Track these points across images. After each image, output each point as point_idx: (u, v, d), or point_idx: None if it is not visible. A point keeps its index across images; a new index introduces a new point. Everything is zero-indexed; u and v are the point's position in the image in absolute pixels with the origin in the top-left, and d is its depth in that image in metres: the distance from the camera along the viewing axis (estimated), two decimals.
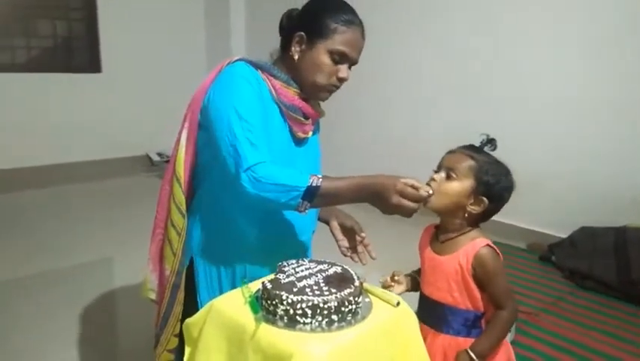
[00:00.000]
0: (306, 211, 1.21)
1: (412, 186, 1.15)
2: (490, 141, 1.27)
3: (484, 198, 1.22)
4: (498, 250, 1.23)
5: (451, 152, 1.27)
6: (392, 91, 4.00)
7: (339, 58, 1.32)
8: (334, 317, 1.02)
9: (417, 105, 3.84)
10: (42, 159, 4.41)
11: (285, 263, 1.20)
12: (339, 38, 1.30)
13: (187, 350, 1.18)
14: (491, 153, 1.27)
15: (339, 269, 1.17)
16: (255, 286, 1.17)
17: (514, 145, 3.22)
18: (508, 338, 1.98)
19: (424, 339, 1.26)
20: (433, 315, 1.27)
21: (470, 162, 1.22)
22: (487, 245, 1.22)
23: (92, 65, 4.67)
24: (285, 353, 0.94)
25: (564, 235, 2.92)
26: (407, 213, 1.16)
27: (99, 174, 4.56)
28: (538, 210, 3.19)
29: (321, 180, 1.18)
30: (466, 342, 1.23)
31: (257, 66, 1.32)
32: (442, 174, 1.23)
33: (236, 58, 1.33)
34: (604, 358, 1.98)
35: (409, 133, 3.86)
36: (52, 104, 4.43)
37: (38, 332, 2.07)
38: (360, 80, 4.17)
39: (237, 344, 1.04)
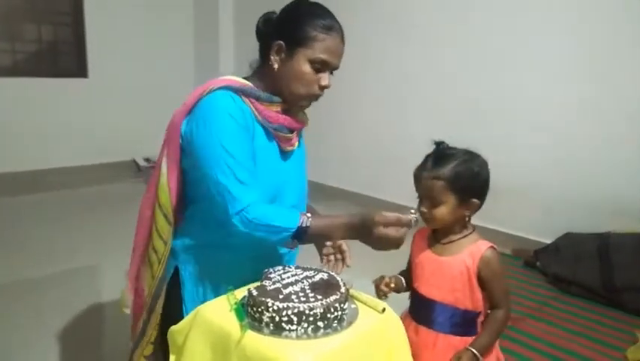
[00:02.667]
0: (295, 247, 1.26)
1: (396, 220, 1.16)
2: (438, 145, 1.31)
3: (473, 200, 1.26)
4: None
5: (416, 179, 1.28)
6: (379, 97, 4.02)
7: (321, 66, 1.30)
8: (320, 324, 1.03)
9: (404, 112, 3.86)
10: (27, 164, 4.36)
11: (271, 270, 1.20)
12: (320, 46, 1.28)
13: (171, 357, 1.17)
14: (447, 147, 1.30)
15: (325, 276, 1.18)
16: (241, 293, 1.16)
17: (500, 152, 3.27)
18: None
19: (416, 335, 1.31)
20: (427, 313, 1.31)
21: (439, 183, 1.23)
22: (491, 247, 1.27)
23: (79, 69, 4.64)
24: None
25: (549, 241, 2.95)
26: (394, 243, 1.16)
27: (85, 180, 4.52)
28: (524, 215, 3.22)
29: (310, 219, 1.20)
30: (461, 341, 1.27)
31: (239, 91, 1.28)
32: (427, 203, 1.27)
33: (216, 85, 1.27)
34: None
35: (396, 140, 3.88)
36: (38, 109, 4.38)
37: (22, 338, 2.05)
38: (348, 85, 4.20)
39: (223, 351, 1.04)
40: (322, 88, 1.34)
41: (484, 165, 1.29)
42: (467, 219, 1.29)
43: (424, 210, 1.27)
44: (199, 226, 1.34)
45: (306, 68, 1.30)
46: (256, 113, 1.30)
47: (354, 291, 1.19)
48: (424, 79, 3.70)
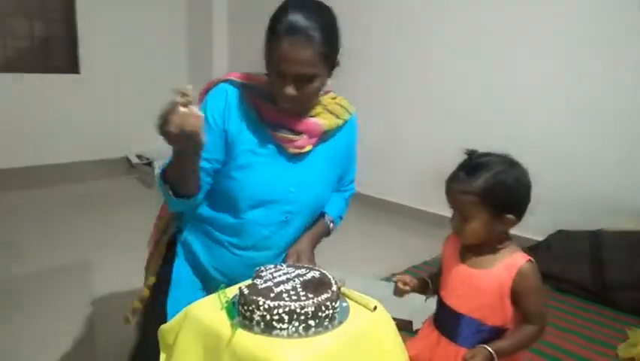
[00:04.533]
0: None
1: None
2: (471, 155, 1.21)
3: (509, 216, 1.17)
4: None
5: (447, 192, 1.21)
6: (385, 96, 4.02)
7: (281, 74, 1.22)
8: (311, 323, 1.02)
9: (403, 111, 3.87)
10: (18, 160, 4.33)
11: (262, 268, 1.19)
12: (277, 52, 1.20)
13: (162, 356, 1.17)
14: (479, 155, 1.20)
15: (317, 274, 1.17)
16: (232, 291, 1.16)
17: (491, 149, 3.29)
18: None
19: (437, 345, 1.26)
20: (452, 325, 1.23)
21: (470, 199, 1.15)
22: (530, 260, 1.18)
23: (71, 65, 4.60)
24: (261, 360, 0.94)
25: (541, 238, 2.96)
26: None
27: (77, 176, 4.48)
28: None
29: None
30: None
31: (243, 87, 1.31)
32: (458, 215, 1.20)
33: (222, 78, 1.33)
34: (578, 360, 2.01)
35: (386, 142, 3.88)
36: (29, 105, 4.34)
37: (15, 336, 2.03)
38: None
39: (213, 350, 1.03)
40: (285, 97, 1.25)
41: (522, 176, 1.19)
42: (501, 235, 1.19)
43: (455, 224, 1.20)
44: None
45: (273, 76, 1.25)
46: (254, 110, 1.30)
47: (346, 289, 1.18)
48: (420, 76, 3.69)
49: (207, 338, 1.06)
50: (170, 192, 1.26)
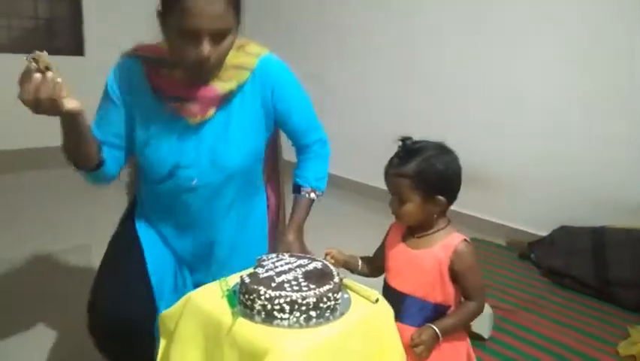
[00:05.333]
0: None
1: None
2: (404, 142, 1.27)
3: (439, 198, 1.24)
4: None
5: (385, 176, 1.28)
6: (387, 85, 3.99)
7: (191, 33, 1.14)
8: (312, 313, 1.02)
9: (410, 101, 3.84)
10: (21, 141, 4.32)
11: (264, 257, 1.19)
12: (185, 10, 1.11)
13: (162, 342, 1.17)
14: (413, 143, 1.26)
15: (319, 265, 1.16)
16: (233, 280, 1.15)
17: (497, 143, 3.28)
18: (485, 334, 2.01)
19: None
20: (397, 306, 1.26)
21: (404, 181, 1.23)
22: (465, 240, 1.25)
23: (75, 47, 4.56)
24: (261, 350, 0.93)
25: (544, 233, 2.95)
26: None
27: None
28: (519, 207, 3.21)
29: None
30: None
31: (140, 58, 1.32)
32: (395, 200, 1.27)
33: (126, 52, 1.38)
34: (580, 357, 2.00)
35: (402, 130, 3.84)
36: None
37: (11, 319, 2.04)
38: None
39: (214, 338, 1.03)
40: (201, 60, 1.17)
41: (452, 161, 1.25)
42: (435, 215, 1.26)
43: (391, 205, 1.28)
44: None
45: (176, 38, 1.17)
46: (148, 82, 1.30)
47: (348, 280, 1.18)
48: (430, 68, 3.65)
49: (208, 326, 1.05)
50: (72, 165, 1.28)
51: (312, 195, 1.50)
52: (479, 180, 3.22)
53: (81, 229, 3.04)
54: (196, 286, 1.32)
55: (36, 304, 2.16)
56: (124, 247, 1.42)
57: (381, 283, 1.35)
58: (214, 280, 1.18)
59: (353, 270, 1.42)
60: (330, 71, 4.21)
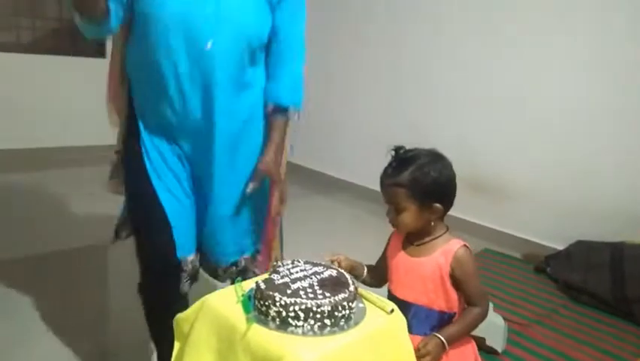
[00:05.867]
0: None
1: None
2: (397, 151, 1.28)
3: (436, 205, 1.24)
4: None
5: (381, 186, 1.28)
6: (393, 89, 3.98)
7: None
8: (327, 322, 1.01)
9: (418, 107, 3.83)
10: (42, 141, 4.39)
11: (279, 263, 1.19)
12: None
13: (176, 345, 1.17)
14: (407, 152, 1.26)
15: (334, 273, 1.16)
16: (248, 285, 1.16)
17: (514, 154, 3.25)
18: (499, 348, 1.99)
19: None
20: (404, 316, 1.26)
21: (399, 190, 1.23)
22: (464, 245, 1.26)
23: (97, 49, 4.64)
24: (274, 356, 0.93)
25: (560, 247, 2.91)
26: None
27: (99, 159, 4.52)
28: (535, 220, 3.18)
29: None
30: None
31: None
32: (392, 210, 1.27)
33: None
34: None
35: (409, 134, 3.84)
36: (54, 87, 4.40)
37: (23, 316, 2.07)
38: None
39: (228, 342, 1.03)
40: None
41: (445, 167, 1.25)
42: (432, 223, 1.26)
43: (388, 216, 1.28)
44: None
45: None
46: None
47: (363, 290, 1.17)
48: (442, 75, 3.65)
49: (222, 330, 1.06)
50: (77, 16, 1.30)
51: (291, 112, 1.51)
52: (496, 191, 3.19)
53: (98, 229, 3.07)
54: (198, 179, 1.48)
55: (50, 304, 2.19)
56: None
57: (385, 292, 1.35)
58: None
59: (357, 277, 1.40)
60: (338, 73, 4.24)
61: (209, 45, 1.32)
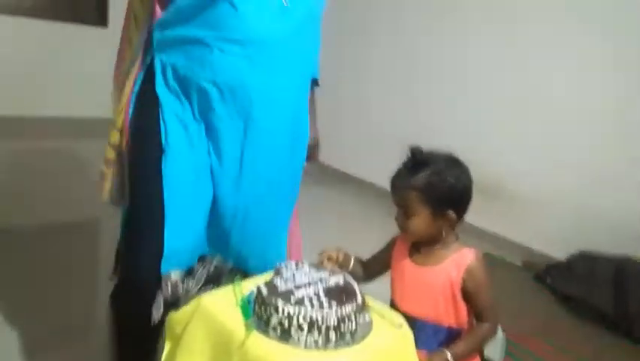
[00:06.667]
0: None
1: None
2: (414, 152, 1.20)
3: (450, 212, 1.17)
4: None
5: (392, 188, 1.22)
6: (408, 88, 3.90)
7: None
8: (332, 335, 0.94)
9: (431, 106, 3.75)
10: (39, 109, 4.26)
11: (282, 265, 1.11)
12: None
13: (167, 345, 1.10)
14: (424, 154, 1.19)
15: (340, 280, 1.08)
16: (248, 285, 1.08)
17: (520, 160, 3.18)
18: (497, 358, 1.93)
19: None
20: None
21: (412, 194, 1.16)
22: (476, 257, 1.19)
23: (99, 18, 4.50)
24: None
25: (561, 257, 2.85)
26: None
27: (99, 130, 4.40)
28: (538, 227, 3.11)
29: None
30: None
31: None
32: (401, 213, 1.20)
33: None
34: None
35: (421, 133, 3.77)
36: (54, 54, 4.26)
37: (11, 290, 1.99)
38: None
39: (223, 350, 0.96)
40: None
41: (463, 173, 1.19)
42: (443, 231, 1.19)
43: (397, 219, 1.21)
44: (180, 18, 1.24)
45: None
46: None
47: (371, 301, 1.10)
48: (454, 74, 3.56)
49: (218, 335, 0.99)
50: None
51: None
52: (501, 195, 3.13)
53: (90, 202, 3.00)
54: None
55: (43, 278, 2.12)
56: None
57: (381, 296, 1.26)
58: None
59: (344, 268, 1.29)
60: (350, 71, 4.14)
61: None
